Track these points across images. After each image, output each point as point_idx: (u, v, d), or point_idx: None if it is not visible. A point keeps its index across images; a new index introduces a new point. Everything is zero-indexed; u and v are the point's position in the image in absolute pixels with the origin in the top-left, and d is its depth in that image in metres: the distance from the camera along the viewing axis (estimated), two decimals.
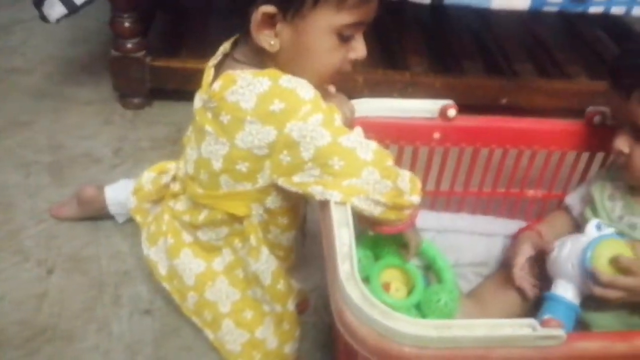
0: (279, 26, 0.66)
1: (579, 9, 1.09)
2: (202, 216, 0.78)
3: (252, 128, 0.66)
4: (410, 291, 0.78)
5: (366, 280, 0.76)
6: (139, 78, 1.28)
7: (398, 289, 0.79)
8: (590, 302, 0.74)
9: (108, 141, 1.23)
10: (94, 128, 1.27)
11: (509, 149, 0.91)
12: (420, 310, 0.78)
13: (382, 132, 0.82)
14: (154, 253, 0.85)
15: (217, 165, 0.71)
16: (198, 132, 0.73)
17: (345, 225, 0.63)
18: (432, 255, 0.83)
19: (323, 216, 0.66)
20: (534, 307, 0.80)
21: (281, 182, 0.69)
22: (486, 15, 1.54)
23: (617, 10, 1.10)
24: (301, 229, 0.85)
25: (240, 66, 0.69)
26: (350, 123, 0.78)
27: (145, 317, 0.90)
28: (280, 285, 0.78)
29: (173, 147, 1.21)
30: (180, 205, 0.82)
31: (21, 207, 1.06)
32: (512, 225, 0.95)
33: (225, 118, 0.68)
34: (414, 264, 0.81)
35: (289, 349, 0.82)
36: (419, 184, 0.70)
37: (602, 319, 0.76)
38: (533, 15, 1.43)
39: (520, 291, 0.82)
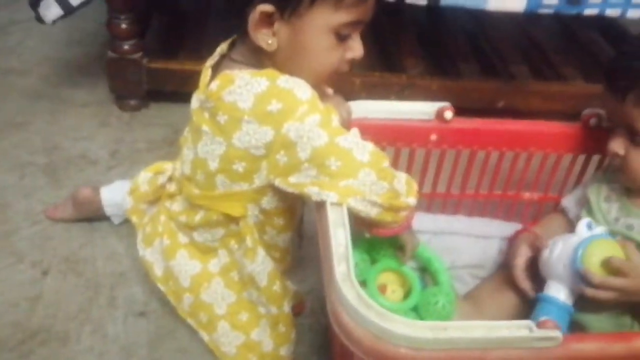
0: (276, 25, 0.66)
1: (574, 11, 1.09)
2: (198, 217, 0.77)
3: (249, 128, 0.66)
4: (406, 293, 0.78)
5: (363, 284, 0.76)
6: (135, 80, 1.28)
7: (394, 291, 0.79)
8: (585, 303, 0.74)
9: (104, 143, 1.23)
10: (90, 130, 1.26)
11: (506, 151, 0.92)
12: (418, 312, 0.78)
13: (379, 133, 0.82)
14: (149, 254, 0.85)
15: (213, 165, 0.71)
16: (195, 132, 0.73)
17: (341, 226, 0.63)
18: (428, 257, 0.83)
19: (319, 217, 0.66)
20: (530, 308, 0.80)
21: (278, 182, 0.69)
22: (482, 18, 1.55)
23: (612, 12, 1.10)
24: (298, 230, 0.85)
25: (238, 66, 0.69)
26: (347, 124, 0.78)
27: (141, 318, 0.90)
28: (276, 287, 0.78)
29: (170, 148, 1.21)
30: (176, 206, 0.81)
31: (16, 209, 1.05)
32: (509, 228, 0.95)
33: (222, 118, 0.68)
34: (410, 266, 0.81)
35: (284, 351, 0.82)
36: (415, 186, 0.71)
37: (597, 321, 0.76)
38: (528, 17, 1.44)
39: (517, 293, 0.82)
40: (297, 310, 0.87)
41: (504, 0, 1.08)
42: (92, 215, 1.02)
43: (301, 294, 0.87)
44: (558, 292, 0.74)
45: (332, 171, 0.65)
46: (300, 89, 0.65)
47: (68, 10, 1.12)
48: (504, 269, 0.88)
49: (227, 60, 0.72)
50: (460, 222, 0.98)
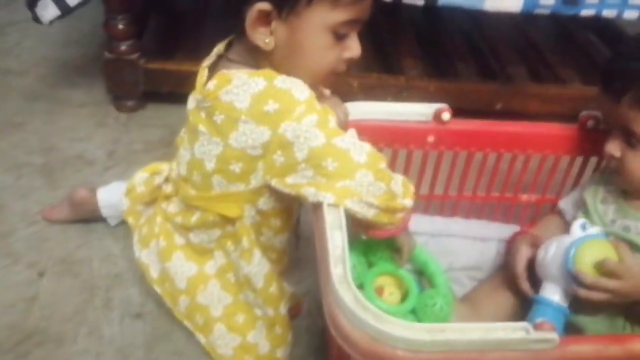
0: (274, 24, 0.66)
1: (571, 11, 1.10)
2: (195, 218, 0.77)
3: (246, 128, 0.66)
4: (404, 295, 0.78)
5: (360, 287, 0.75)
6: (132, 80, 1.27)
7: (392, 293, 0.78)
8: (580, 304, 0.74)
9: (101, 144, 1.23)
10: (87, 130, 1.26)
11: (503, 153, 0.92)
12: (416, 315, 0.77)
13: (376, 135, 0.82)
14: (145, 256, 0.84)
15: (210, 165, 0.71)
16: (191, 133, 0.73)
17: (338, 228, 0.63)
18: (424, 259, 0.83)
19: (316, 219, 0.66)
20: (528, 310, 0.80)
21: (274, 183, 0.68)
22: (479, 18, 1.55)
23: (608, 13, 1.10)
24: (294, 231, 0.85)
25: (235, 66, 0.69)
26: (344, 126, 0.78)
27: (137, 320, 0.89)
28: (273, 289, 0.78)
29: (166, 149, 1.21)
30: (172, 207, 0.81)
31: (12, 209, 1.05)
32: (506, 230, 0.95)
33: (219, 118, 0.67)
34: (407, 269, 0.81)
35: (281, 353, 0.81)
36: (411, 188, 0.70)
37: (592, 322, 0.76)
38: (525, 18, 1.44)
39: (515, 294, 0.82)
40: (294, 312, 0.87)
41: (501, 0, 1.08)
42: (88, 217, 1.01)
43: (298, 296, 0.87)
44: (553, 293, 0.74)
45: (329, 172, 0.65)
46: (298, 89, 0.65)
47: (65, 10, 1.11)
48: (501, 271, 0.88)
49: (224, 60, 0.72)
50: (457, 224, 0.98)
